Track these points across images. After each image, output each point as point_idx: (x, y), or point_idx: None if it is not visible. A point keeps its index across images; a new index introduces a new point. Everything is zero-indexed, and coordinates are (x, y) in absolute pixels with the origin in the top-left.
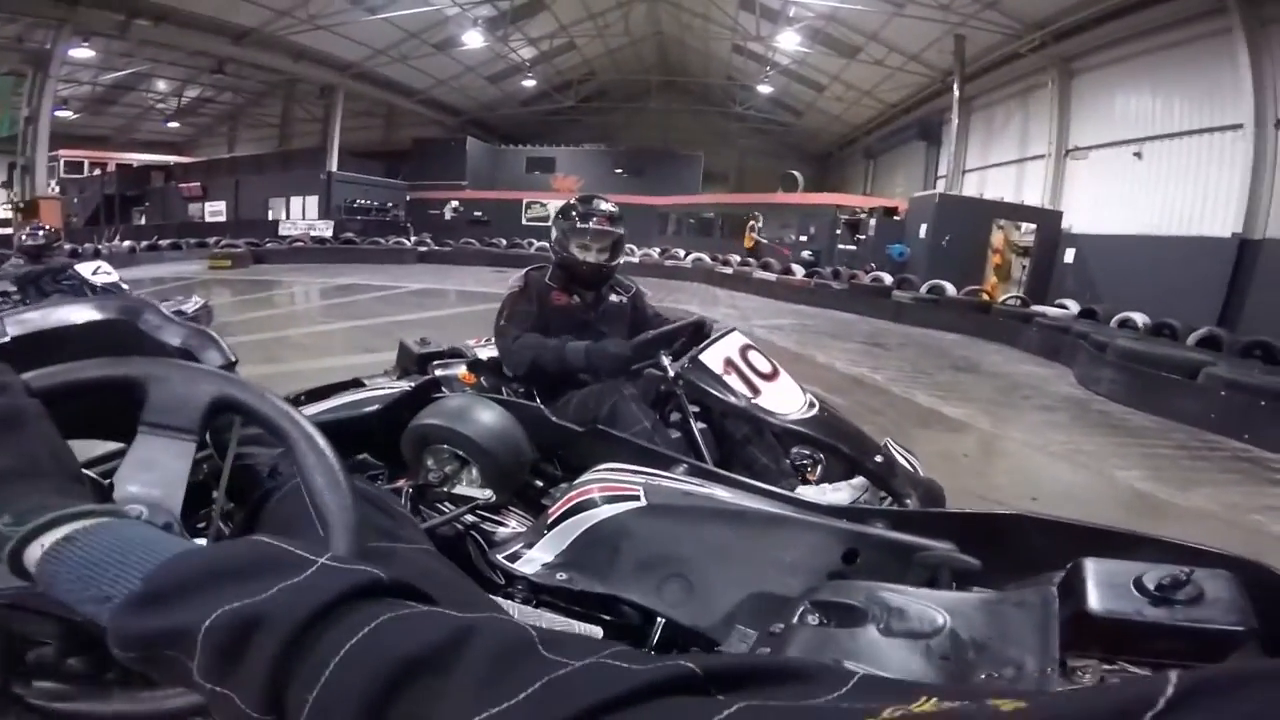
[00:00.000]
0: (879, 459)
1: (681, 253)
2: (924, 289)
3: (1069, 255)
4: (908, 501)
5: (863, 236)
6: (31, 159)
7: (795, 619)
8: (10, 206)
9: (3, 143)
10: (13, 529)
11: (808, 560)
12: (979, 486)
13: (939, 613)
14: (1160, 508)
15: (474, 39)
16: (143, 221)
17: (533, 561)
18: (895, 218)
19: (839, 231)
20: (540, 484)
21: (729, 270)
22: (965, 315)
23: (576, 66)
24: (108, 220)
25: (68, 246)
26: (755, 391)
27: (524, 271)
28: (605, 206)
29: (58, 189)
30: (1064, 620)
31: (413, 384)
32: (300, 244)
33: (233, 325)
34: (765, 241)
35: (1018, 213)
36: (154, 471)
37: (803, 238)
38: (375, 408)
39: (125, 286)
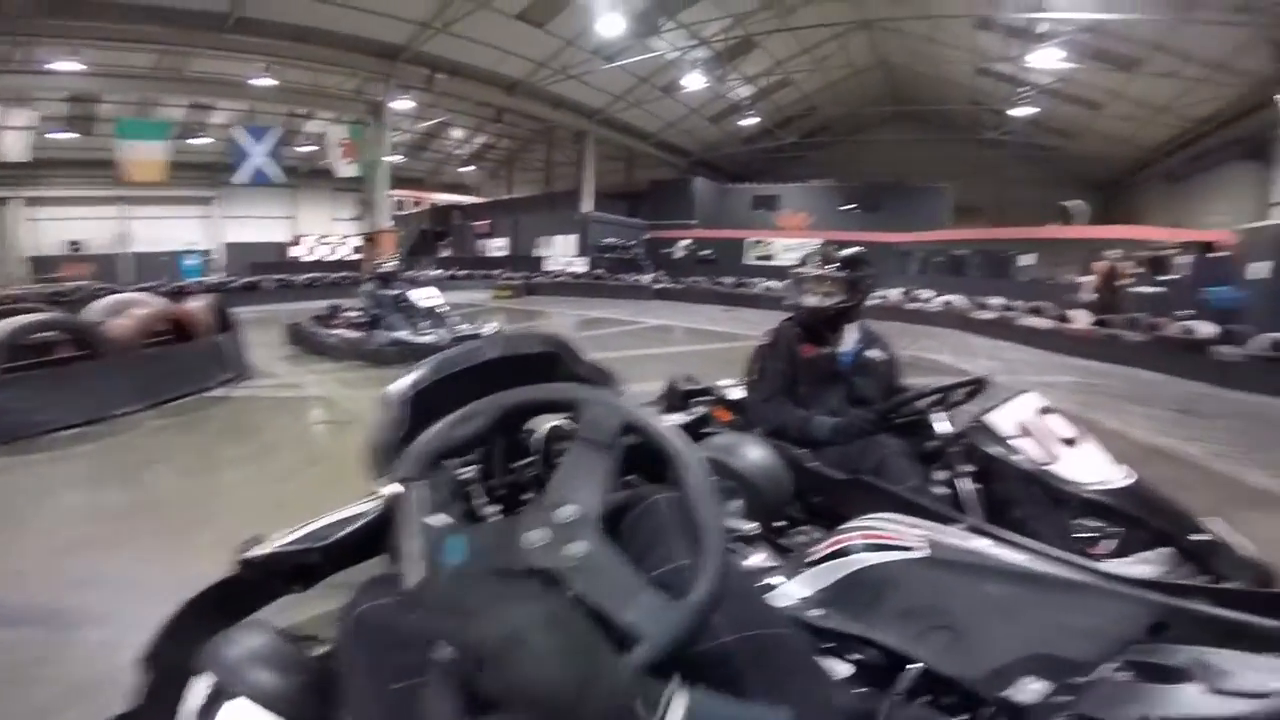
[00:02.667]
0: (1200, 536)
1: (928, 294)
2: (1262, 343)
3: None
4: (1233, 583)
5: (1170, 277)
6: (372, 196)
7: (1101, 674)
8: (363, 237)
9: (352, 181)
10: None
11: (1106, 628)
12: None
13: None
14: None
15: (695, 81)
16: (447, 253)
17: (789, 595)
18: (1214, 254)
19: (1140, 271)
20: (784, 523)
21: (988, 315)
22: None
23: (796, 102)
24: (422, 252)
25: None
26: (1053, 458)
27: (779, 322)
28: (835, 251)
29: (395, 224)
30: None
31: (689, 417)
32: (561, 279)
33: None
34: (1131, 287)
35: None
36: (583, 477)
37: (1083, 278)
38: None
39: (448, 308)
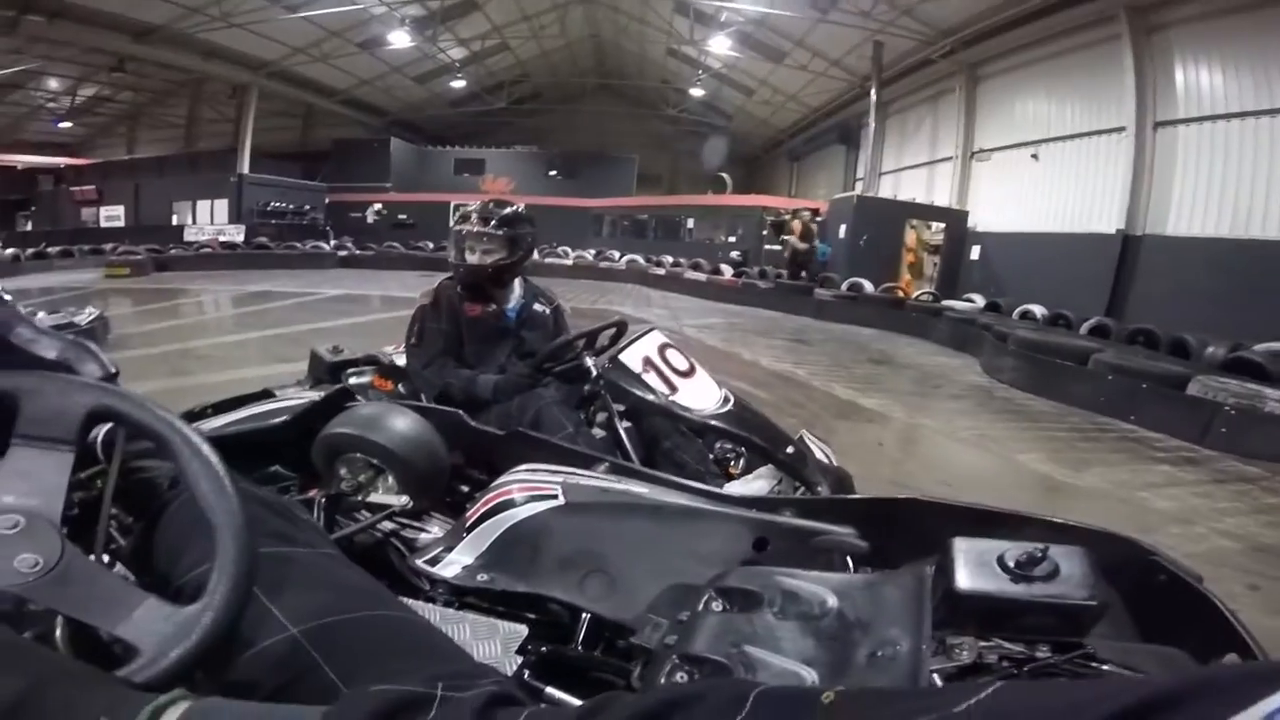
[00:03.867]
0: (790, 450)
1: (616, 254)
2: (844, 287)
3: (975, 252)
4: (819, 490)
5: (787, 237)
6: None
7: (701, 606)
8: None
9: None
10: None
11: (721, 550)
12: (894, 474)
13: (828, 595)
14: (1059, 488)
15: (401, 39)
16: (29, 228)
17: (453, 564)
18: (817, 219)
19: (765, 232)
20: (466, 489)
21: (662, 272)
22: (882, 311)
23: (509, 68)
24: None
25: None
26: (673, 389)
27: (437, 282)
28: (495, 210)
29: None
30: (938, 599)
31: (323, 393)
32: (209, 250)
33: (133, 337)
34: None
35: (927, 213)
36: (30, 481)
37: (731, 238)
38: (284, 418)
39: (7, 297)
